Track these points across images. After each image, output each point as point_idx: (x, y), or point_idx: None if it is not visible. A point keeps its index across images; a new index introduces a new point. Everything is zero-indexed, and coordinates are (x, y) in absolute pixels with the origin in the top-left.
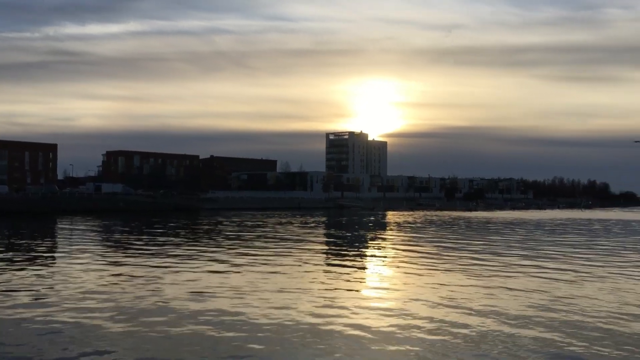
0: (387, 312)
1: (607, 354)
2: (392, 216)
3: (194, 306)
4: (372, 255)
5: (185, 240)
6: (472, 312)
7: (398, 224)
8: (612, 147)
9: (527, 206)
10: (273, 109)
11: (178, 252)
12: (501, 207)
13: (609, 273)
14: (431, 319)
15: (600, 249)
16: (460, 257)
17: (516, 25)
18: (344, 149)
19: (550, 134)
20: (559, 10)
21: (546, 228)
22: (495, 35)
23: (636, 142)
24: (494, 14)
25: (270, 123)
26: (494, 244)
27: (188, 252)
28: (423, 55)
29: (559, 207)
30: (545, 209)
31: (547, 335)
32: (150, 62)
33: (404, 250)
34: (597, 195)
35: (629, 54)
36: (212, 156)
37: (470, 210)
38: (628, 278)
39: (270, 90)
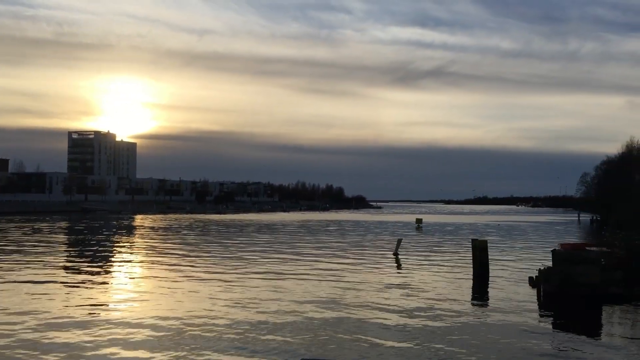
0: (123, 320)
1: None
2: (140, 220)
3: None
4: (111, 263)
5: None
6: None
7: (145, 228)
8: (347, 154)
9: (273, 209)
10: (5, 101)
11: None
12: (249, 210)
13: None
14: (158, 320)
15: (337, 245)
16: (203, 260)
17: (265, 37)
18: (89, 149)
19: (295, 141)
20: (303, 27)
21: (289, 229)
22: (246, 44)
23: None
24: (244, 23)
25: (1, 117)
26: (235, 246)
27: None
28: (175, 57)
29: (301, 210)
30: (289, 211)
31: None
32: None
33: (145, 254)
34: (333, 198)
35: (360, 72)
36: None
37: (220, 213)
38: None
39: (2, 80)
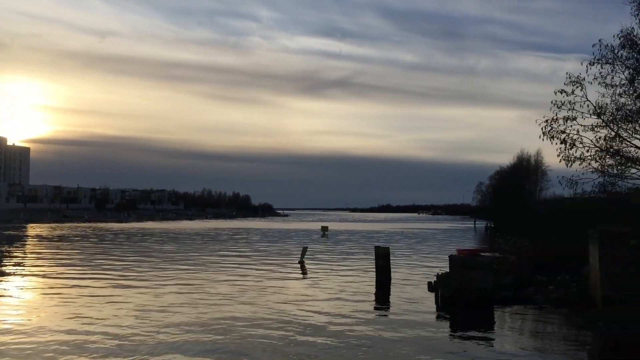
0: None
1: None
2: (32, 229)
3: None
4: None
5: None
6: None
7: (36, 238)
8: (254, 162)
9: (178, 217)
10: None
11: None
12: (153, 218)
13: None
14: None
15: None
16: (92, 273)
17: (171, 41)
18: None
19: (201, 148)
20: (210, 33)
21: (193, 237)
22: (151, 47)
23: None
24: (149, 26)
25: None
26: (133, 256)
27: None
28: (74, 59)
29: (207, 218)
30: (194, 219)
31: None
32: None
33: (31, 269)
34: (240, 206)
35: (268, 80)
36: None
37: (121, 221)
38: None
39: None
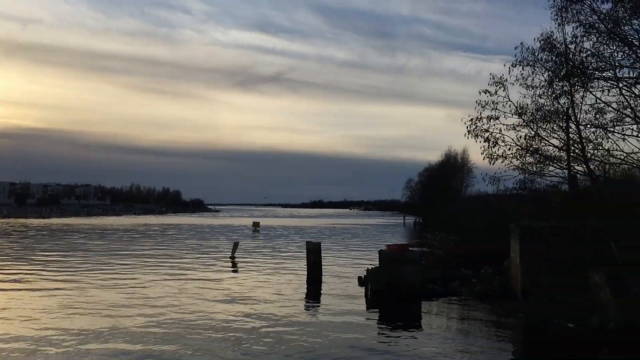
0: None
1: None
2: None
3: None
4: None
5: None
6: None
7: None
8: (185, 157)
9: (104, 212)
10: None
11: None
12: (77, 214)
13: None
14: None
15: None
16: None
17: (98, 30)
18: None
19: (130, 142)
20: (140, 23)
21: (118, 233)
22: (77, 36)
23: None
24: (75, 14)
25: None
26: (48, 253)
27: None
28: None
29: (135, 213)
30: (122, 215)
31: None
32: None
33: None
34: (170, 201)
35: (201, 74)
36: None
37: (43, 217)
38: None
39: None
